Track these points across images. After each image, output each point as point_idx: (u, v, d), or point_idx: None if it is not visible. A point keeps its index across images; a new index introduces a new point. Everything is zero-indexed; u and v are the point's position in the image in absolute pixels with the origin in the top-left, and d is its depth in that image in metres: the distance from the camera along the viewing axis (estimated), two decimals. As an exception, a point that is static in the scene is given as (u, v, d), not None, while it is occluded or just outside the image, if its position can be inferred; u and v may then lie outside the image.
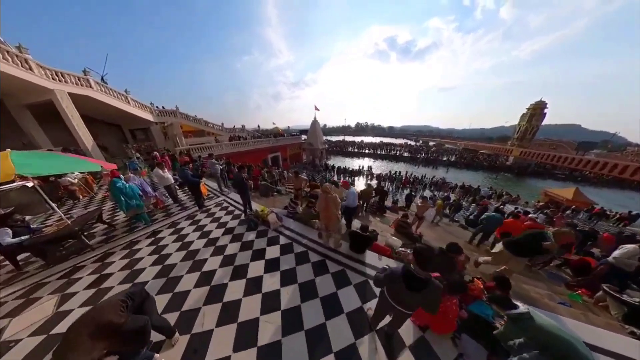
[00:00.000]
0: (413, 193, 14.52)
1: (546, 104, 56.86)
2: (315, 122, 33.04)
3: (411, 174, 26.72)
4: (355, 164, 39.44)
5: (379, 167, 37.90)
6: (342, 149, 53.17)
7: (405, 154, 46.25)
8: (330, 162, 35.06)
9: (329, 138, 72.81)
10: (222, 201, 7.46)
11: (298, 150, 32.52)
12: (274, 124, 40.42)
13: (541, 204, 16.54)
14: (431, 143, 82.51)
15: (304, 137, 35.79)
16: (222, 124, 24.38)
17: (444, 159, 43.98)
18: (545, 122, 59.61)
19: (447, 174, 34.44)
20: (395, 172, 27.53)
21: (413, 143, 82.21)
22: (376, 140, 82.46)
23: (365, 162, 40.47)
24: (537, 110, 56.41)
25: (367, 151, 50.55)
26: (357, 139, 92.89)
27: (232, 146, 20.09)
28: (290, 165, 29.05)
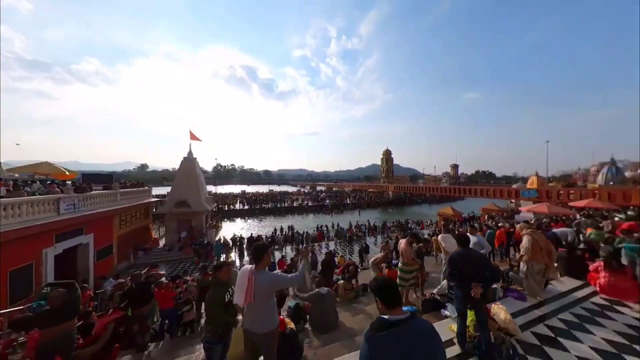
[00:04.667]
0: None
1: (390, 151, 76.08)
2: (191, 163, 18.64)
3: (336, 224, 22.99)
4: (245, 225, 30.58)
5: (297, 224, 29.27)
6: (220, 208, 36.98)
7: (310, 204, 43.42)
8: (220, 233, 25.26)
9: (163, 190, 34.39)
10: None
11: (144, 221, 16.78)
12: None
13: (442, 222, 20.22)
14: (319, 188, 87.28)
15: (161, 191, 18.65)
16: None
17: (348, 202, 45.25)
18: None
19: (360, 216, 34.04)
20: (319, 226, 22.87)
21: (305, 190, 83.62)
22: (260, 189, 74.96)
23: (269, 224, 33.07)
24: (388, 155, 74.39)
25: (263, 206, 41.07)
26: (232, 188, 70.27)
27: None
28: (128, 259, 13.10)
